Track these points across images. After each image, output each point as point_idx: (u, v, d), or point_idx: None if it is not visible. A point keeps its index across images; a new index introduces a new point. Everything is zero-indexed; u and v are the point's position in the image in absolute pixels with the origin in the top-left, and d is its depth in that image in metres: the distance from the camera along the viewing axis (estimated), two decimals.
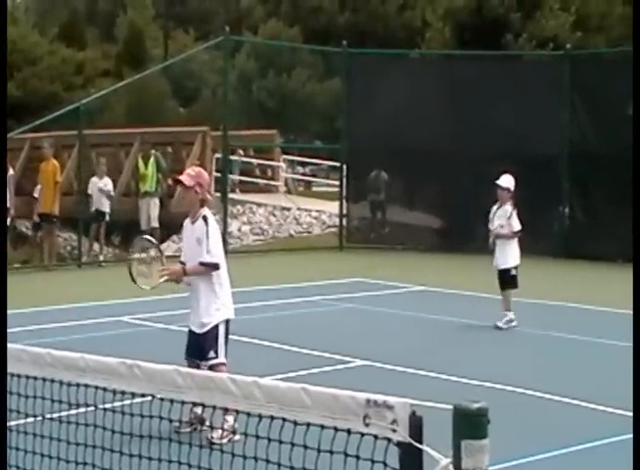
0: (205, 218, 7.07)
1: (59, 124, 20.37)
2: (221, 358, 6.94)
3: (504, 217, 11.53)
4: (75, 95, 32.45)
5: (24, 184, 21.15)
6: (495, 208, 11.74)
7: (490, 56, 21.64)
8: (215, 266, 7.00)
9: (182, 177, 7.24)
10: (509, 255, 11.55)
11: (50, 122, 19.11)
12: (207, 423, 6.57)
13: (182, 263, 7.15)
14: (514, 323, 11.36)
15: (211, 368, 6.80)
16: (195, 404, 3.49)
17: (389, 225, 21.34)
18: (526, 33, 26.80)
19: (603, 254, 17.73)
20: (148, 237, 7.75)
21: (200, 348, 7.01)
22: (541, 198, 18.54)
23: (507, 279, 11.50)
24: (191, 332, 7.13)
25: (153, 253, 7.35)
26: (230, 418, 6.27)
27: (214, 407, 3.37)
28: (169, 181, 21.38)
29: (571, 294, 14.02)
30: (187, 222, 7.26)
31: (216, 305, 7.03)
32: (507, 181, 11.64)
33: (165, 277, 7.07)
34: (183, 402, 3.36)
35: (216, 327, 6.99)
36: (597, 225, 18.61)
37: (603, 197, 18.47)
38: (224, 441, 5.90)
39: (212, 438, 6.12)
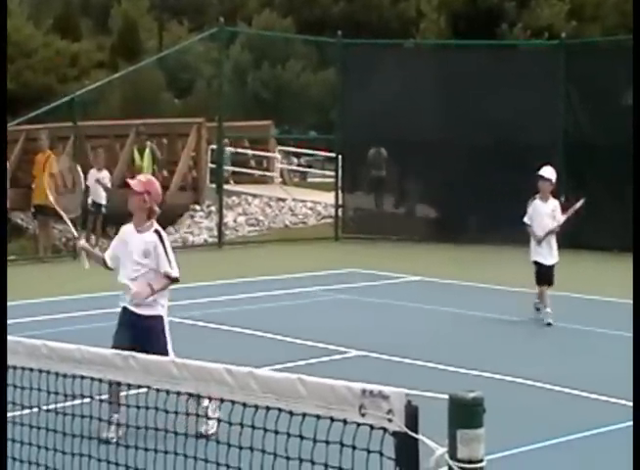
0: (158, 233, 6.96)
1: (53, 116, 20.34)
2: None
3: (551, 213, 11.17)
4: (70, 87, 32.37)
5: (20, 176, 21.12)
6: (538, 201, 11.28)
7: (485, 46, 21.60)
8: (176, 281, 6.96)
9: (131, 181, 7.23)
10: (555, 250, 11.29)
11: (45, 114, 19.07)
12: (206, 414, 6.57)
13: (105, 262, 7.15)
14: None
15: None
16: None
17: (385, 216, 21.33)
18: (521, 23, 26.77)
19: (599, 243, 17.75)
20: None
21: (144, 338, 6.80)
22: (537, 188, 18.52)
23: (552, 275, 11.22)
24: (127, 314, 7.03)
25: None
26: (206, 402, 6.21)
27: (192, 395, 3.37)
28: (164, 173, 21.38)
29: (568, 284, 14.02)
30: (130, 229, 7.10)
31: (163, 305, 6.97)
32: (549, 172, 11.23)
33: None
34: (178, 393, 3.36)
35: (160, 320, 6.89)
36: (593, 215, 18.58)
37: (598, 187, 18.46)
38: (214, 430, 5.88)
39: (206, 431, 6.07)
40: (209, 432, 5.89)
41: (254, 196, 24.52)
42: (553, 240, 11.31)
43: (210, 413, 6.34)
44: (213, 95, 25.53)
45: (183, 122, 24.66)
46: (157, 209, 7.10)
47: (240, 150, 27.12)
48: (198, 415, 6.44)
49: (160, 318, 6.91)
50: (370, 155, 20.69)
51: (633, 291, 8.14)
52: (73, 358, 3.62)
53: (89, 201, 19.11)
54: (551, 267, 11.26)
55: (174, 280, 6.93)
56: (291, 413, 2.98)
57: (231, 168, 26.57)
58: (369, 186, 21.57)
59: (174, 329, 7.29)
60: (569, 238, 18.37)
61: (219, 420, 6.11)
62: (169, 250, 6.95)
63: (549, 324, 10.94)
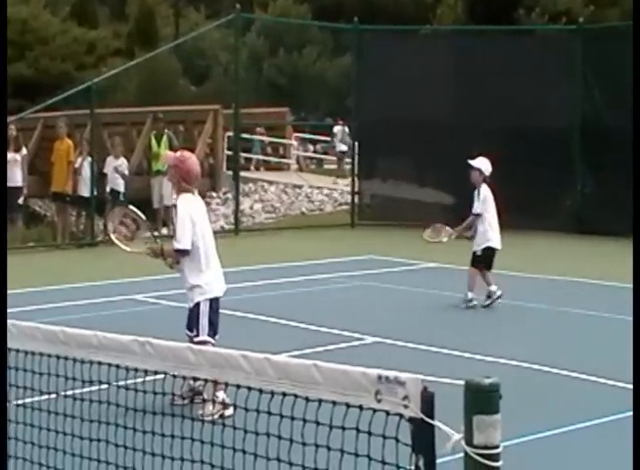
0: (175, 206, 7.28)
1: (71, 104, 20.38)
2: (202, 337, 7.05)
3: (476, 199, 11.59)
4: (87, 74, 32.44)
5: (37, 163, 21.18)
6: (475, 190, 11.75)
7: (502, 31, 21.51)
8: (183, 253, 7.15)
9: (169, 153, 7.79)
10: (478, 236, 11.58)
11: (62, 102, 19.11)
12: (203, 397, 6.67)
13: None
14: (472, 303, 11.24)
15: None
16: (195, 379, 3.51)
17: (401, 202, 21.27)
18: (539, 8, 26.65)
19: (615, 229, 17.66)
20: (132, 208, 7.87)
21: (189, 323, 7.27)
22: (553, 174, 18.48)
23: (472, 258, 11.53)
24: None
25: (137, 220, 7.62)
26: (220, 393, 6.35)
27: (206, 381, 3.40)
28: None
29: (583, 270, 13.99)
30: None
31: (200, 286, 7.19)
32: (477, 162, 11.66)
33: (150, 252, 7.33)
34: (195, 379, 3.38)
35: (197, 306, 7.16)
36: (609, 201, 18.54)
37: (615, 172, 18.39)
38: (215, 417, 5.94)
39: (202, 414, 6.15)
40: (206, 415, 6.04)
41: (271, 183, 24.53)
42: (478, 226, 11.57)
43: (205, 396, 6.53)
44: (230, 82, 25.51)
45: (200, 109, 24.66)
46: (184, 185, 7.30)
47: (257, 137, 27.13)
48: (204, 400, 6.63)
49: (196, 306, 7.17)
50: (336, 131, 21.43)
51: (633, 280, 8.11)
52: (91, 344, 3.64)
53: (107, 189, 19.16)
54: (474, 253, 11.55)
55: (178, 252, 7.18)
56: (307, 399, 2.98)
57: (259, 157, 26.72)
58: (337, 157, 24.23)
59: (185, 316, 7.34)
60: (584, 223, 18.47)
61: (220, 403, 6.25)
62: (180, 221, 7.16)
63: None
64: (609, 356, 8.85)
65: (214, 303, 7.22)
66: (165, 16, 50.60)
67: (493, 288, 11.38)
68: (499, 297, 11.36)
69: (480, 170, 11.57)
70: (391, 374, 2.71)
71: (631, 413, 6.66)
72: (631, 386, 7.41)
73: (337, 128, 24.84)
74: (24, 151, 18.59)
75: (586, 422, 6.80)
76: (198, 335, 7.07)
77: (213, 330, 7.15)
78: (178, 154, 7.54)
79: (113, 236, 7.59)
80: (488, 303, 11.33)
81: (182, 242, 7.11)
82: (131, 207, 7.91)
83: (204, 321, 7.11)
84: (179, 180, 7.29)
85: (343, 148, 25.66)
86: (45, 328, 3.87)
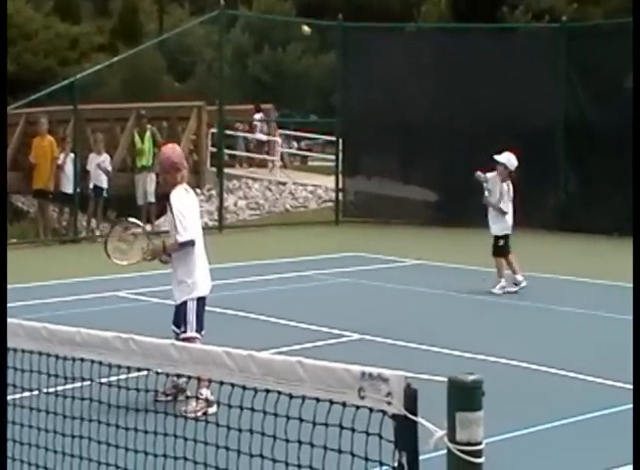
0: (170, 199, 7.24)
1: (54, 100, 20.29)
2: (190, 333, 7.07)
3: (493, 186, 12.05)
4: (70, 70, 32.30)
5: (20, 159, 21.09)
6: (490, 175, 12.23)
7: (486, 29, 21.54)
8: (190, 243, 7.15)
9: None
10: (495, 223, 12.07)
11: (45, 98, 19.03)
12: (187, 394, 6.67)
13: None
14: (507, 289, 11.83)
15: (184, 341, 6.95)
16: (178, 376, 3.50)
17: (386, 199, 21.30)
18: (522, 6, 26.70)
19: (599, 227, 17.74)
20: (133, 219, 7.84)
21: (175, 320, 7.26)
22: (537, 171, 18.51)
23: (494, 247, 12.06)
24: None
25: (135, 232, 7.58)
26: (204, 390, 6.35)
27: (189, 377, 3.39)
28: None
29: (567, 267, 14.04)
30: None
31: (187, 283, 7.18)
32: (502, 157, 12.08)
33: (148, 256, 7.30)
34: (179, 376, 3.37)
35: (184, 304, 7.16)
36: (593, 199, 18.60)
37: (599, 170, 18.45)
38: (198, 414, 5.95)
39: (185, 411, 6.14)
40: (189, 412, 6.07)
41: (255, 179, 24.50)
42: (494, 214, 12.13)
43: (189, 393, 6.53)
44: (214, 78, 25.46)
45: (184, 106, 24.58)
46: (167, 177, 7.35)
47: (240, 133, 27.10)
48: (188, 396, 6.63)
49: (183, 304, 7.16)
50: (258, 122, 23.57)
51: (633, 280, 8.15)
52: (74, 341, 3.62)
53: (90, 185, 19.10)
54: (494, 239, 12.11)
55: (182, 245, 7.12)
56: (290, 396, 2.98)
57: (242, 153, 26.67)
58: (256, 147, 25.75)
59: (172, 313, 7.31)
60: (568, 221, 18.52)
61: (205, 400, 6.25)
62: (177, 215, 7.13)
63: (490, 292, 11.82)
64: (594, 354, 8.88)
65: (201, 299, 7.22)
66: (149, 12, 50.45)
67: (519, 278, 11.92)
68: (520, 285, 11.90)
69: (504, 165, 12.01)
70: (375, 371, 2.72)
71: (618, 409, 6.70)
72: (613, 382, 7.46)
73: (257, 116, 26.81)
74: None
75: (569, 419, 6.82)
76: (185, 331, 7.07)
77: (200, 326, 7.15)
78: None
79: (112, 258, 7.51)
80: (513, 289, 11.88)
81: (185, 234, 7.09)
82: (131, 219, 7.90)
83: (191, 318, 7.10)
84: (161, 175, 7.40)
85: (263, 138, 27.03)
86: (28, 325, 3.86)
